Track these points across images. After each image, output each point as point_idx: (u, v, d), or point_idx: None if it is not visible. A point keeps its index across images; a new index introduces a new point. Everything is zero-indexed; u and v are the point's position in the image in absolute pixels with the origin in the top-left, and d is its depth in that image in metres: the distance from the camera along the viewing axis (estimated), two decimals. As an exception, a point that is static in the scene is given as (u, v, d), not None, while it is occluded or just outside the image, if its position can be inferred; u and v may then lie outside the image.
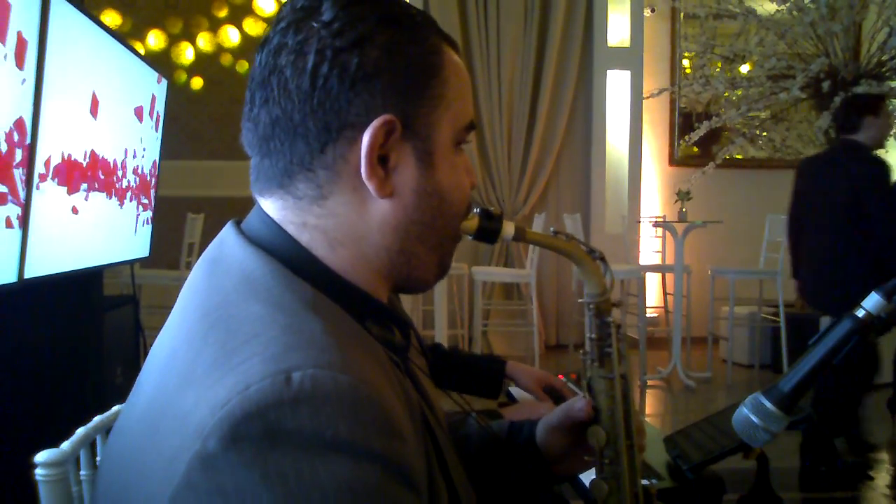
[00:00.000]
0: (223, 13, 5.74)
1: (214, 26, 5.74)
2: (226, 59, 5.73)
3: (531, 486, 0.91)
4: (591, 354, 0.84)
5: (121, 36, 2.61)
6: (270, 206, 0.68)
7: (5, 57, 1.77)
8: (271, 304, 0.59)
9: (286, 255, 0.64)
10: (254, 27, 5.74)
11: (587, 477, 0.87)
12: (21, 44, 1.83)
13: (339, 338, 0.57)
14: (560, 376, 1.69)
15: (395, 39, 0.64)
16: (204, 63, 5.72)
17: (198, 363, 0.56)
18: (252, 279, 0.62)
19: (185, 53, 5.69)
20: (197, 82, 5.67)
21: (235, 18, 5.76)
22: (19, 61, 1.83)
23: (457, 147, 0.70)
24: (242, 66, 5.72)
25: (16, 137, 1.84)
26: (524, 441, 0.92)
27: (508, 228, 0.78)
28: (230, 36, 5.72)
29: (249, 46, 5.72)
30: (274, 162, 0.66)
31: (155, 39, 5.63)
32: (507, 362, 1.63)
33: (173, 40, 5.70)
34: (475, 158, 5.47)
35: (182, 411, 0.54)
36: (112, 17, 5.51)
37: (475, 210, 0.77)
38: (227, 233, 0.68)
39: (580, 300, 0.87)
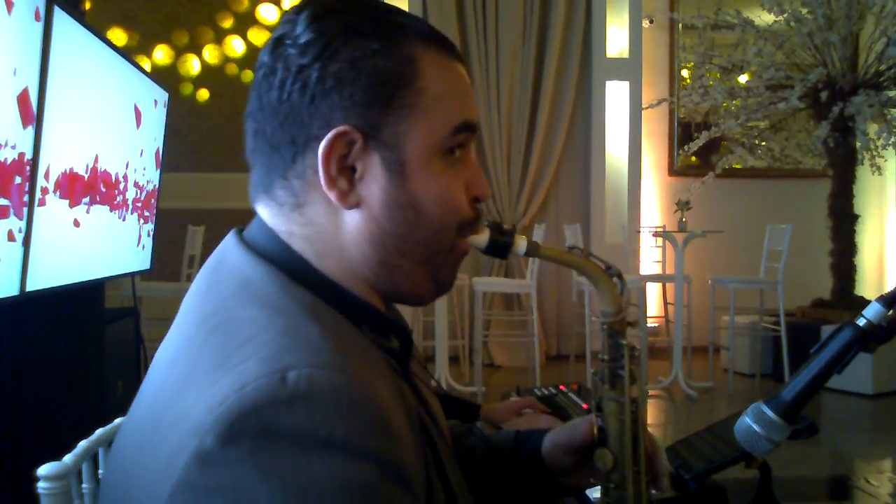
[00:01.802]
0: (228, 23, 5.77)
1: (220, 37, 5.77)
2: (231, 69, 5.77)
3: (537, 497, 0.89)
4: (601, 375, 0.81)
5: (122, 49, 2.62)
6: (263, 212, 0.69)
7: (14, 72, 1.78)
8: (269, 308, 0.60)
9: (283, 261, 0.65)
10: (258, 36, 5.78)
11: (594, 492, 0.85)
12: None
13: (336, 341, 0.58)
14: (562, 386, 1.69)
15: (358, 52, 0.64)
16: (210, 75, 5.74)
17: (197, 366, 0.57)
18: (250, 284, 0.63)
19: (192, 65, 5.72)
20: (203, 94, 5.69)
21: (240, 28, 5.79)
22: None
23: (446, 155, 0.68)
24: (247, 75, 5.75)
25: (17, 150, 1.84)
26: (529, 452, 0.90)
27: (521, 243, 0.74)
28: (235, 46, 5.76)
29: (254, 56, 5.73)
30: (258, 171, 0.69)
31: (162, 54, 5.66)
32: (482, 407, 1.58)
33: (179, 53, 5.72)
34: (475, 169, 5.47)
35: (181, 411, 0.55)
36: (119, 35, 5.53)
37: (486, 223, 0.74)
38: (229, 240, 0.69)
39: (594, 318, 0.83)
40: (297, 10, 0.66)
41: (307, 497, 0.50)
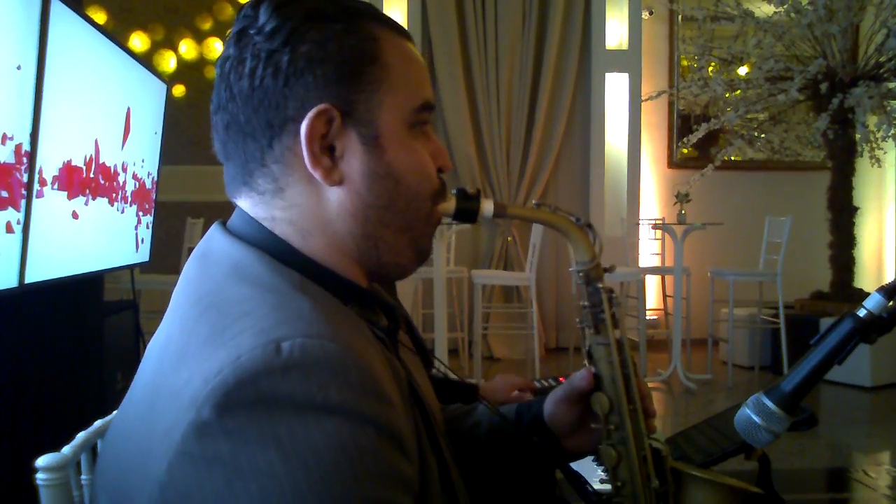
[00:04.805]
0: (207, 26, 5.74)
1: (199, 38, 5.75)
2: (210, 72, 5.76)
3: (541, 464, 0.89)
4: (586, 322, 0.82)
5: (122, 43, 2.61)
6: (243, 205, 0.71)
7: (18, 67, 1.77)
8: (260, 287, 0.62)
9: (269, 246, 0.67)
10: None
11: (589, 473, 0.85)
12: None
13: (326, 313, 0.59)
14: (561, 378, 1.71)
15: (324, 33, 0.66)
16: (187, 72, 5.70)
17: (191, 342, 0.59)
18: (240, 267, 0.64)
19: (168, 62, 5.69)
20: (179, 90, 5.65)
21: (220, 31, 5.77)
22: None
23: (412, 129, 0.71)
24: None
25: (16, 142, 1.84)
26: (532, 418, 0.91)
27: (487, 206, 0.77)
28: (215, 48, 5.74)
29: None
30: (234, 163, 0.70)
31: (140, 41, 5.63)
32: (479, 385, 1.63)
33: (155, 47, 5.69)
34: (474, 162, 5.47)
35: (177, 387, 0.56)
36: (98, 16, 5.49)
37: (452, 191, 0.77)
38: (214, 231, 0.71)
39: (570, 269, 0.84)
40: (254, 4, 0.68)
41: (306, 461, 0.51)
